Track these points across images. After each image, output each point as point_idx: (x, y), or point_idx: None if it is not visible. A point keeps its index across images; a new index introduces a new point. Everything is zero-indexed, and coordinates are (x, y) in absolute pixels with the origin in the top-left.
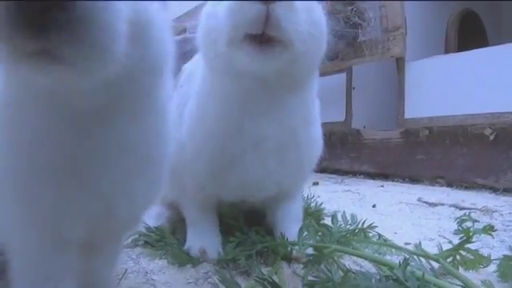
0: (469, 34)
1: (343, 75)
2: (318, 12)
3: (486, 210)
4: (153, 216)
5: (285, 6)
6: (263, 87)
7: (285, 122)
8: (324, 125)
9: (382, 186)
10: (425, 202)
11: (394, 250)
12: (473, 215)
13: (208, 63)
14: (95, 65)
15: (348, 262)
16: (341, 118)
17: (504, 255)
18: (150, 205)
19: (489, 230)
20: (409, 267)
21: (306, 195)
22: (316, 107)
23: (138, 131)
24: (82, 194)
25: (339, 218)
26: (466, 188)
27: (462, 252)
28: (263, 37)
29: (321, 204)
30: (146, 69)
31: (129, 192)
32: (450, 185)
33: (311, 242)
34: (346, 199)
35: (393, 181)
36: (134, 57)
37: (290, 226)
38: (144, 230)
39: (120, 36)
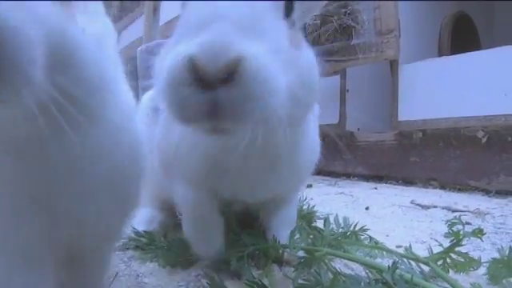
0: (462, 36)
1: (337, 77)
2: (306, 68)
3: (478, 213)
4: (144, 221)
5: (243, 86)
6: None
7: (274, 148)
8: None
9: (376, 189)
10: (418, 205)
11: (385, 252)
12: (465, 218)
13: None
14: (13, 88)
15: (339, 265)
16: (335, 120)
17: (493, 258)
18: (127, 215)
19: (478, 233)
20: (398, 270)
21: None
22: (313, 112)
23: (84, 149)
24: (39, 212)
25: (331, 221)
26: (459, 190)
27: (452, 255)
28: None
29: (313, 207)
30: (83, 91)
31: (95, 205)
32: (443, 187)
33: (302, 244)
34: (339, 202)
35: (386, 183)
36: (62, 80)
37: (284, 229)
38: (133, 235)
39: (34, 58)
